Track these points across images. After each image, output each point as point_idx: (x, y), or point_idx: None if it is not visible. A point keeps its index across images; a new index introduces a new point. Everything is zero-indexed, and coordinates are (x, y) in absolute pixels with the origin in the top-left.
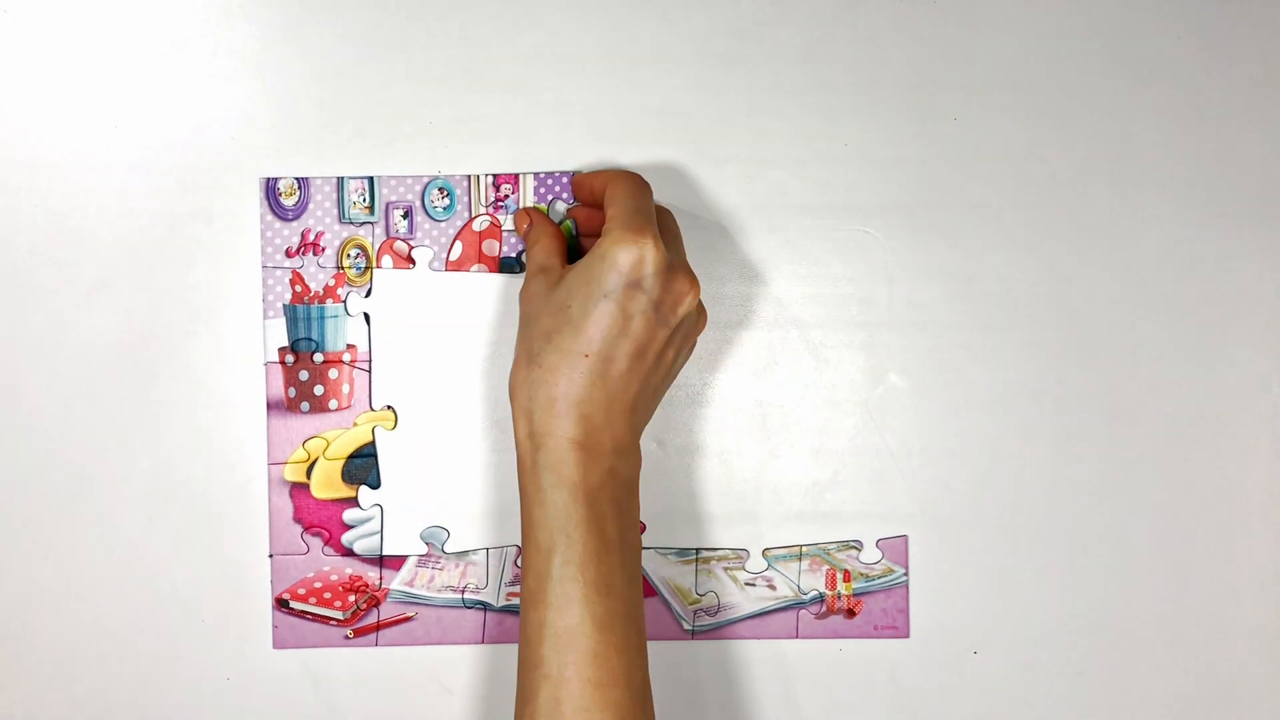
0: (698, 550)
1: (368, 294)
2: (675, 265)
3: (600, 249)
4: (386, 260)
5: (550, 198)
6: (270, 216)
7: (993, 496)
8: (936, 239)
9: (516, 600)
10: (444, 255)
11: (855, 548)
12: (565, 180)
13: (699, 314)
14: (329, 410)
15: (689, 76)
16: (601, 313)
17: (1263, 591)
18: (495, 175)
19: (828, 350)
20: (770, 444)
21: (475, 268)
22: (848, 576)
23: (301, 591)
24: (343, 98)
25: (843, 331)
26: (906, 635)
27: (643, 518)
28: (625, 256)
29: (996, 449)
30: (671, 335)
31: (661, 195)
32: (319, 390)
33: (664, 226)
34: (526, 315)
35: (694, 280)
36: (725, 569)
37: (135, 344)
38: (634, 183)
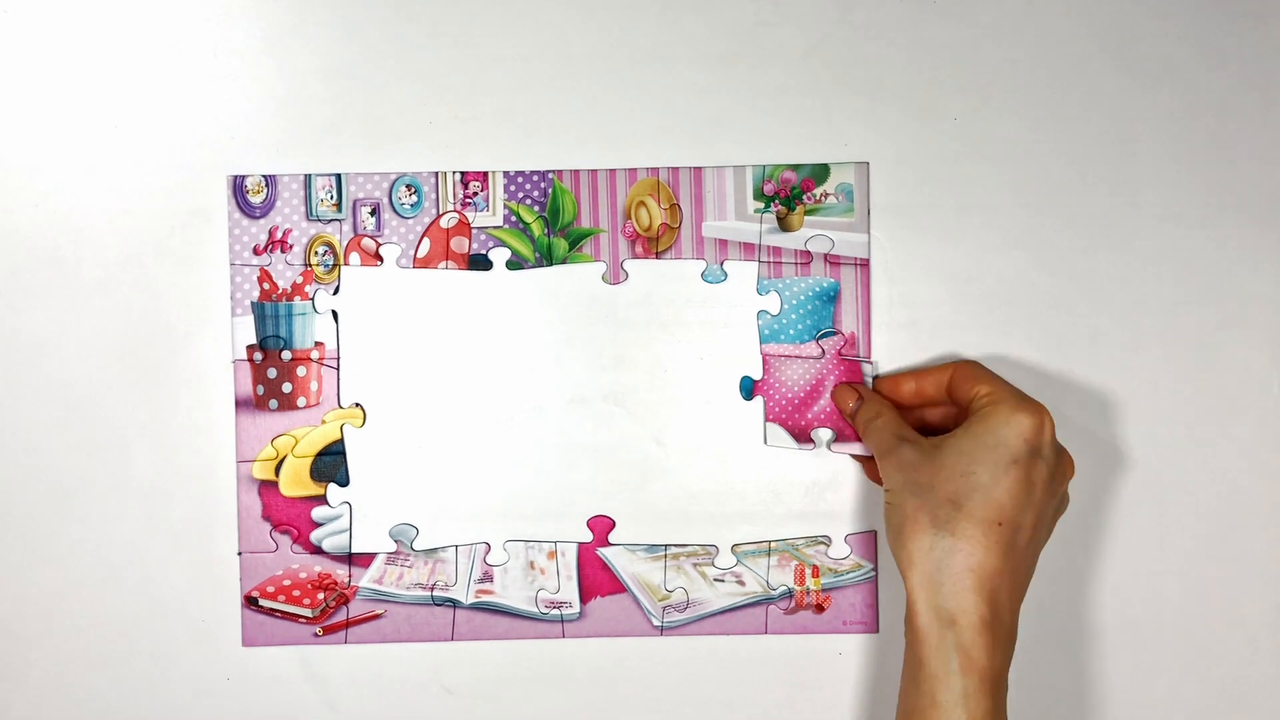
0: (666, 546)
1: (335, 291)
2: (1060, 443)
3: (999, 415)
4: (354, 257)
5: (520, 195)
6: (238, 214)
7: None
8: (936, 239)
9: (486, 598)
10: (412, 252)
11: (824, 543)
12: (535, 179)
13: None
14: (297, 408)
15: (689, 76)
16: (1012, 479)
17: (1263, 592)
18: (464, 173)
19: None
20: (770, 444)
21: (443, 265)
22: (816, 572)
23: (270, 589)
24: (339, 98)
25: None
26: (875, 630)
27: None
28: (1029, 423)
29: None
30: (1056, 510)
31: None
32: (287, 388)
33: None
34: (914, 483)
35: (1072, 459)
36: (694, 565)
37: (124, 344)
38: (982, 366)
